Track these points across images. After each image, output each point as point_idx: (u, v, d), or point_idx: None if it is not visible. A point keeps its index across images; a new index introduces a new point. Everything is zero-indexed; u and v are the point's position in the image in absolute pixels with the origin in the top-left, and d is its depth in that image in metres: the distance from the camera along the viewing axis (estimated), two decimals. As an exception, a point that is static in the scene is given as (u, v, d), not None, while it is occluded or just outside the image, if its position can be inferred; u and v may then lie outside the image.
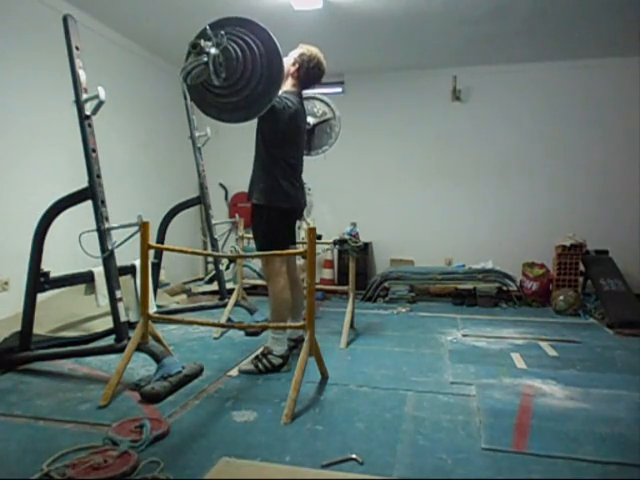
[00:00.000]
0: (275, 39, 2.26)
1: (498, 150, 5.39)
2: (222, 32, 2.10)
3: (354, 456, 1.72)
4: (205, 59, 1.98)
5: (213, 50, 2.01)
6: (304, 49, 2.79)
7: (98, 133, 2.64)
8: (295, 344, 2.96)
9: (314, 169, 5.62)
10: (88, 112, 2.55)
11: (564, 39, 4.53)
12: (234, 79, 2.17)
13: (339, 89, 5.77)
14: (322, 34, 4.46)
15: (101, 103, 2.48)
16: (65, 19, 2.54)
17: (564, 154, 5.23)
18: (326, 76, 6.09)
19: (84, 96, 2.53)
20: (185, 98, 4.06)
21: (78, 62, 2.55)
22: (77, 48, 2.56)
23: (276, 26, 4.20)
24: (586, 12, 3.94)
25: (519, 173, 5.34)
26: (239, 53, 2.15)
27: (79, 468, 1.58)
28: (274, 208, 2.70)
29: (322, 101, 3.34)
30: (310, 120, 3.21)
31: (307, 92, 3.15)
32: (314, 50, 2.81)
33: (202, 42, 2.02)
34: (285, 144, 2.72)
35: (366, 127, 5.66)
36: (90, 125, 2.57)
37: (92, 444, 1.77)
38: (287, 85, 2.81)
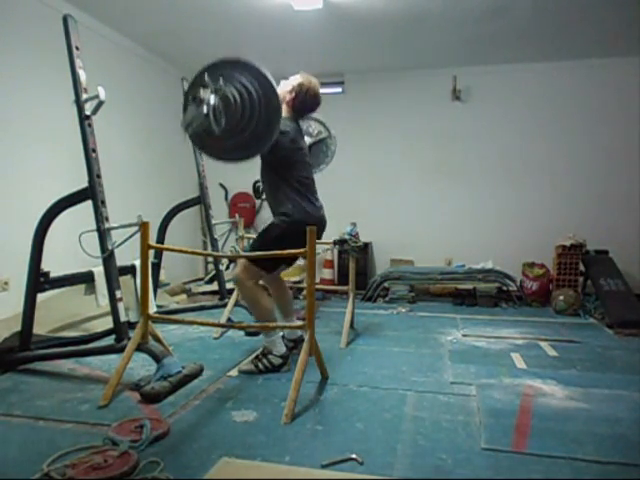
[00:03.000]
0: (271, 78, 2.25)
1: (498, 150, 5.39)
2: (221, 80, 2.09)
3: (354, 456, 1.72)
4: (205, 110, 1.98)
5: (212, 99, 2.01)
6: (304, 79, 2.78)
7: (98, 133, 2.64)
8: (295, 344, 2.96)
9: (314, 169, 5.64)
10: (88, 112, 2.55)
11: (564, 39, 4.53)
12: (233, 123, 2.17)
13: (339, 89, 5.77)
14: (322, 34, 4.47)
15: (101, 103, 2.49)
16: (65, 19, 2.54)
17: (564, 154, 5.23)
18: (326, 76, 6.12)
19: (84, 96, 2.53)
20: (185, 98, 4.06)
21: (78, 62, 2.55)
22: (77, 48, 2.57)
23: (276, 26, 4.27)
24: (586, 12, 3.93)
25: (519, 173, 5.34)
26: (237, 97, 2.15)
27: (79, 468, 1.58)
28: (285, 225, 2.62)
29: (317, 121, 3.38)
30: (306, 140, 3.22)
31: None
32: (313, 81, 2.79)
33: (201, 92, 2.02)
34: (294, 166, 2.71)
35: (366, 127, 5.67)
36: (90, 125, 2.57)
37: (92, 444, 1.77)
38: (283, 112, 2.78)
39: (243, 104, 2.17)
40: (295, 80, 2.78)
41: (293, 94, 2.76)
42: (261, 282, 2.80)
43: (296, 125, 2.81)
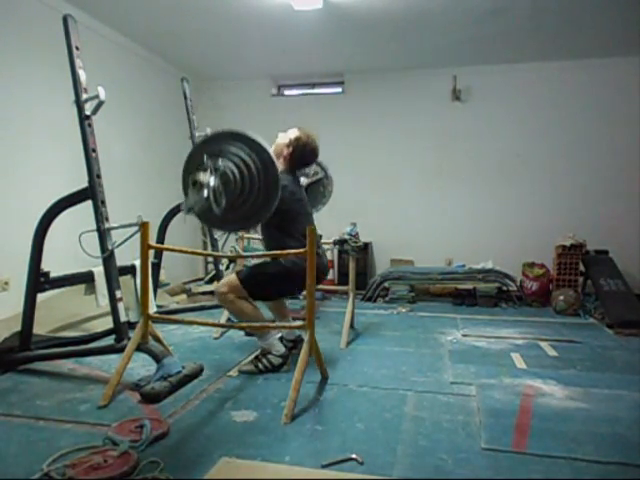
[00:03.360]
0: (269, 149, 2.23)
1: (498, 150, 5.39)
2: (219, 158, 2.07)
3: (354, 456, 1.72)
4: (206, 194, 1.97)
5: (212, 181, 1.99)
6: (302, 134, 2.78)
7: (98, 133, 2.64)
8: (294, 344, 2.96)
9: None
10: (88, 112, 2.55)
11: (564, 39, 4.53)
12: (233, 199, 2.15)
13: (339, 89, 5.78)
14: (322, 34, 4.47)
15: (101, 103, 2.49)
16: (65, 19, 2.54)
17: (564, 154, 5.23)
18: (326, 76, 6.11)
19: (84, 96, 2.53)
20: (185, 98, 4.07)
21: (78, 62, 2.55)
22: (77, 48, 2.57)
23: (276, 26, 4.27)
24: (586, 11, 3.93)
25: (519, 173, 5.34)
26: (236, 173, 2.12)
27: (79, 468, 1.58)
28: (286, 268, 2.60)
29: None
30: (303, 180, 3.22)
31: None
32: (311, 135, 2.79)
33: (201, 177, 1.99)
34: (296, 219, 2.68)
35: (366, 127, 5.66)
36: (90, 125, 2.57)
37: (92, 444, 1.77)
38: (280, 165, 2.76)
39: (242, 179, 2.14)
40: (293, 134, 2.79)
41: (290, 148, 2.76)
42: None
43: (293, 177, 2.81)
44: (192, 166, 2.20)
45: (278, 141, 2.83)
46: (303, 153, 2.77)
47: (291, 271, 2.58)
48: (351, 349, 3.15)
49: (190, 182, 2.00)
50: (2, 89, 3.37)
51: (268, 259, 2.75)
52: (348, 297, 3.56)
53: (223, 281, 2.69)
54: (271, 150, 2.25)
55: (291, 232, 2.66)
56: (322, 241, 3.86)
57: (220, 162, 2.07)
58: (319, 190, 3.44)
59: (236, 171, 2.11)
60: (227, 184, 2.07)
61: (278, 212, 2.45)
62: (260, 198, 2.21)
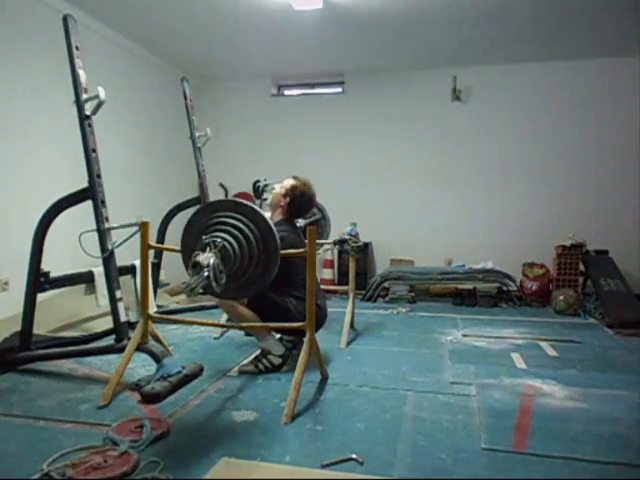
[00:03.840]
0: (269, 220, 2.20)
1: (498, 150, 5.39)
2: (219, 239, 2.06)
3: (354, 456, 1.72)
4: (206, 274, 1.97)
5: (212, 260, 1.99)
6: (297, 182, 2.80)
7: (98, 133, 2.64)
8: (294, 344, 2.95)
9: (314, 169, 5.64)
10: (88, 112, 2.55)
11: (564, 39, 4.53)
12: (232, 271, 2.13)
13: (339, 89, 5.78)
14: (322, 34, 4.47)
15: (101, 103, 2.49)
16: (65, 19, 2.54)
17: (564, 154, 5.23)
18: (326, 76, 6.10)
19: (84, 96, 2.53)
20: (185, 98, 4.07)
21: (78, 62, 2.55)
22: (77, 48, 2.56)
23: (276, 26, 4.27)
24: (586, 12, 3.94)
25: (519, 173, 5.34)
26: (235, 247, 2.10)
27: (79, 468, 1.58)
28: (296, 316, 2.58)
29: None
30: (300, 222, 3.23)
31: None
32: (307, 184, 2.82)
33: (201, 258, 1.99)
34: (296, 270, 2.63)
35: (366, 127, 5.67)
36: (90, 125, 2.57)
37: (92, 444, 1.77)
38: (277, 215, 2.83)
39: (242, 251, 2.13)
40: (288, 184, 2.81)
41: (288, 198, 2.79)
42: None
43: (292, 226, 2.82)
44: (191, 234, 2.20)
45: (275, 192, 2.87)
46: (300, 202, 2.81)
47: (289, 311, 2.61)
48: (351, 349, 3.15)
49: (191, 265, 2.01)
50: (2, 89, 3.37)
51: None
52: (348, 297, 3.56)
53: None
54: (269, 220, 2.23)
55: (290, 283, 2.66)
56: (322, 241, 3.88)
57: (219, 240, 2.06)
58: (317, 231, 3.44)
59: (235, 244, 2.10)
60: (226, 258, 2.06)
61: (280, 264, 2.41)
62: (260, 267, 2.20)
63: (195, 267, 1.98)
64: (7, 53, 3.40)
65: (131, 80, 4.77)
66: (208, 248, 2.04)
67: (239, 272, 2.17)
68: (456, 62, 5.20)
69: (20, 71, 3.50)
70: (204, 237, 2.08)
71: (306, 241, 2.64)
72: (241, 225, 2.16)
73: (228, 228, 2.14)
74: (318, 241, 3.42)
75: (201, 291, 2.00)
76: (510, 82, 5.30)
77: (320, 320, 2.71)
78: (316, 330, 2.50)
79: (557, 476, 1.63)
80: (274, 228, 2.22)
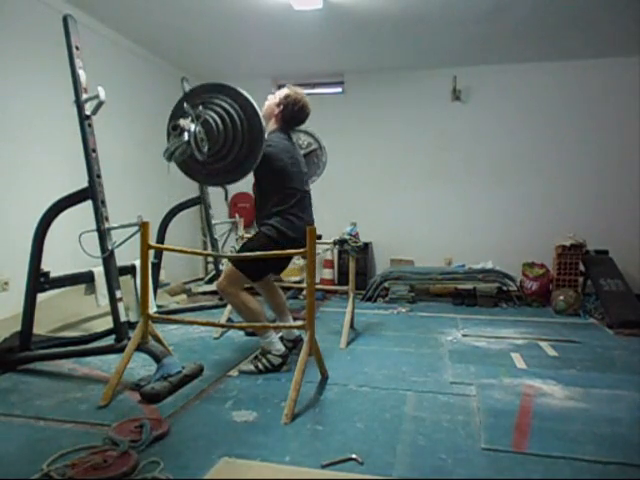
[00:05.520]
0: (252, 101, 2.27)
1: (498, 150, 5.39)
2: (200, 106, 2.11)
3: (354, 456, 1.72)
4: (186, 138, 2.00)
5: (193, 127, 2.03)
6: (290, 91, 2.81)
7: (98, 133, 2.64)
8: (294, 344, 2.96)
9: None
10: (88, 112, 2.55)
11: (564, 39, 4.53)
12: (217, 148, 2.19)
13: (339, 89, 5.78)
14: (322, 34, 4.47)
15: (101, 103, 2.49)
16: (65, 19, 2.54)
17: (565, 154, 5.23)
18: (326, 76, 6.10)
19: (84, 96, 2.53)
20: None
21: (78, 62, 2.55)
22: (77, 48, 2.57)
23: (276, 26, 4.26)
24: (586, 12, 3.93)
25: (519, 173, 5.34)
26: (219, 122, 2.17)
27: (79, 468, 1.58)
28: (275, 241, 2.59)
29: (307, 133, 3.41)
30: None
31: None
32: (300, 92, 2.83)
33: (181, 122, 2.04)
34: (285, 178, 2.67)
35: (366, 127, 5.67)
36: (90, 125, 2.58)
37: (92, 444, 1.77)
38: (271, 125, 2.83)
39: (225, 128, 2.18)
40: (282, 92, 2.82)
41: (281, 107, 2.78)
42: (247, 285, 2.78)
43: (287, 136, 2.81)
44: (175, 118, 2.25)
45: (268, 102, 2.85)
46: (294, 110, 2.79)
47: (275, 240, 2.59)
48: (351, 349, 3.15)
49: (170, 127, 2.04)
50: (2, 89, 3.37)
51: (253, 236, 2.77)
52: (348, 297, 3.56)
53: (222, 274, 2.72)
54: (254, 101, 2.27)
55: (277, 190, 2.65)
56: (322, 241, 3.88)
57: (201, 109, 2.10)
58: (313, 161, 3.44)
59: (219, 120, 2.16)
60: (209, 131, 2.11)
61: (268, 169, 2.51)
62: (244, 149, 2.24)
63: (175, 129, 2.01)
64: (7, 53, 3.40)
65: (131, 80, 4.77)
66: (190, 118, 2.07)
67: (223, 151, 2.20)
68: (456, 62, 5.20)
69: (20, 71, 3.50)
70: (185, 105, 2.12)
71: (304, 169, 2.78)
72: (226, 105, 2.20)
73: (213, 107, 2.19)
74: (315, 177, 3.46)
75: (181, 161, 2.03)
76: (510, 82, 5.30)
77: (299, 234, 2.60)
78: (293, 243, 2.56)
79: (557, 476, 1.63)
80: (258, 109, 2.25)
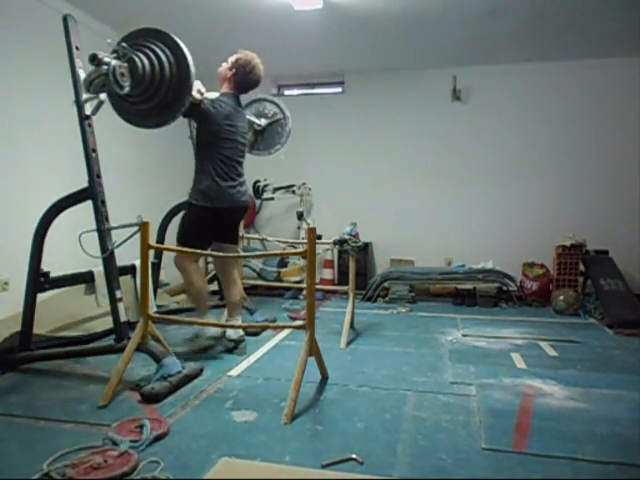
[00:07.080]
0: (183, 46, 2.37)
1: (498, 150, 5.38)
2: (124, 44, 2.19)
3: (354, 456, 1.72)
4: (105, 70, 2.07)
5: (113, 62, 2.11)
6: (241, 54, 2.93)
7: (98, 133, 2.64)
8: (235, 345, 2.97)
9: (314, 169, 5.64)
10: (88, 112, 2.55)
11: (564, 39, 4.53)
12: (142, 88, 2.28)
13: (339, 89, 5.78)
14: (322, 34, 4.47)
15: (101, 103, 2.48)
16: (65, 19, 2.54)
17: (564, 154, 5.22)
18: (326, 76, 6.10)
19: (84, 96, 2.53)
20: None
21: (78, 62, 2.56)
22: (77, 48, 2.57)
23: (276, 26, 4.26)
24: (586, 12, 3.93)
25: (519, 173, 5.33)
26: (145, 63, 2.26)
27: (79, 468, 1.58)
28: (198, 207, 2.81)
29: (272, 102, 3.49)
30: (262, 121, 3.37)
31: (258, 94, 3.37)
32: (250, 55, 2.95)
33: (100, 54, 2.12)
34: (219, 143, 2.80)
35: (366, 127, 5.66)
36: (90, 125, 2.58)
37: (92, 444, 1.77)
38: (224, 88, 2.95)
39: (153, 70, 2.27)
40: (233, 57, 2.94)
41: (233, 70, 2.91)
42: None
43: (235, 102, 2.91)
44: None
45: (222, 66, 2.99)
46: (244, 72, 2.92)
47: (200, 206, 2.79)
48: (351, 349, 3.15)
49: (89, 57, 2.13)
50: (2, 89, 3.37)
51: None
52: (348, 297, 3.56)
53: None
54: (185, 47, 2.39)
55: (211, 154, 2.81)
56: (322, 241, 3.88)
57: (126, 47, 2.21)
58: (277, 130, 3.50)
59: (146, 61, 2.25)
60: (134, 70, 2.20)
61: (206, 130, 2.70)
62: (171, 93, 2.34)
63: (93, 61, 2.08)
64: (7, 53, 3.39)
65: (131, 80, 4.76)
66: (116, 55, 2.17)
67: (150, 91, 2.30)
68: (456, 62, 5.20)
69: (20, 71, 3.49)
70: (109, 41, 2.23)
71: (241, 139, 2.94)
72: (155, 47, 2.30)
73: (144, 49, 2.28)
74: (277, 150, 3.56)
75: (102, 91, 2.18)
76: (510, 82, 5.30)
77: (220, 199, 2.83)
78: (236, 219, 2.88)
79: (557, 476, 1.64)
80: (188, 55, 2.36)
